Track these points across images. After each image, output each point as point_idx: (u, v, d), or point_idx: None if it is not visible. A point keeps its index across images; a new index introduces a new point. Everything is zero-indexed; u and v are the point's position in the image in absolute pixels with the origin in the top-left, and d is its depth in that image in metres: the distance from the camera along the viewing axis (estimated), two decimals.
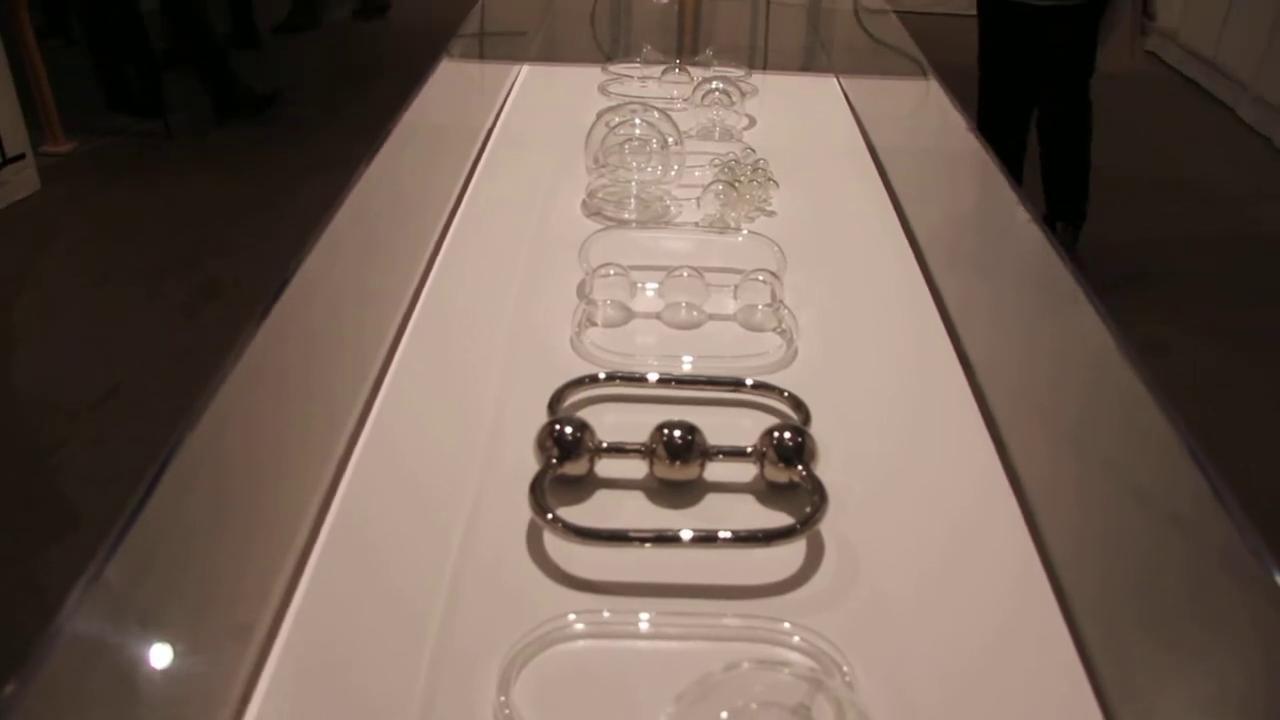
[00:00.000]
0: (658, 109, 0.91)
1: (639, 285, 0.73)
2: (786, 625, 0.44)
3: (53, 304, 2.40)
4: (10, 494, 1.75)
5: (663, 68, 1.18)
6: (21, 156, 2.86)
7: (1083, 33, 2.33)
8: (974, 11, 2.53)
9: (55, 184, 2.97)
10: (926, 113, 1.07)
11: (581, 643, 0.44)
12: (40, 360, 2.17)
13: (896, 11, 1.31)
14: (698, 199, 0.87)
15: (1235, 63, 3.72)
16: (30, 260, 2.59)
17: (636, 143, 0.89)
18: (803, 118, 1.20)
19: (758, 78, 1.20)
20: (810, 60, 1.60)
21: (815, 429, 0.56)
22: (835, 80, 1.30)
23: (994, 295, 0.75)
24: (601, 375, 0.62)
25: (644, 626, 0.45)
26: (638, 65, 1.22)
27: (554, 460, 0.52)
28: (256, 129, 3.43)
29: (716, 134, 1.06)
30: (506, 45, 1.39)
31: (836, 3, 1.73)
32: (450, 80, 1.03)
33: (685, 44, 1.54)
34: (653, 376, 0.62)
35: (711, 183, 0.88)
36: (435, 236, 0.83)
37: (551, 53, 1.40)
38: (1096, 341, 0.57)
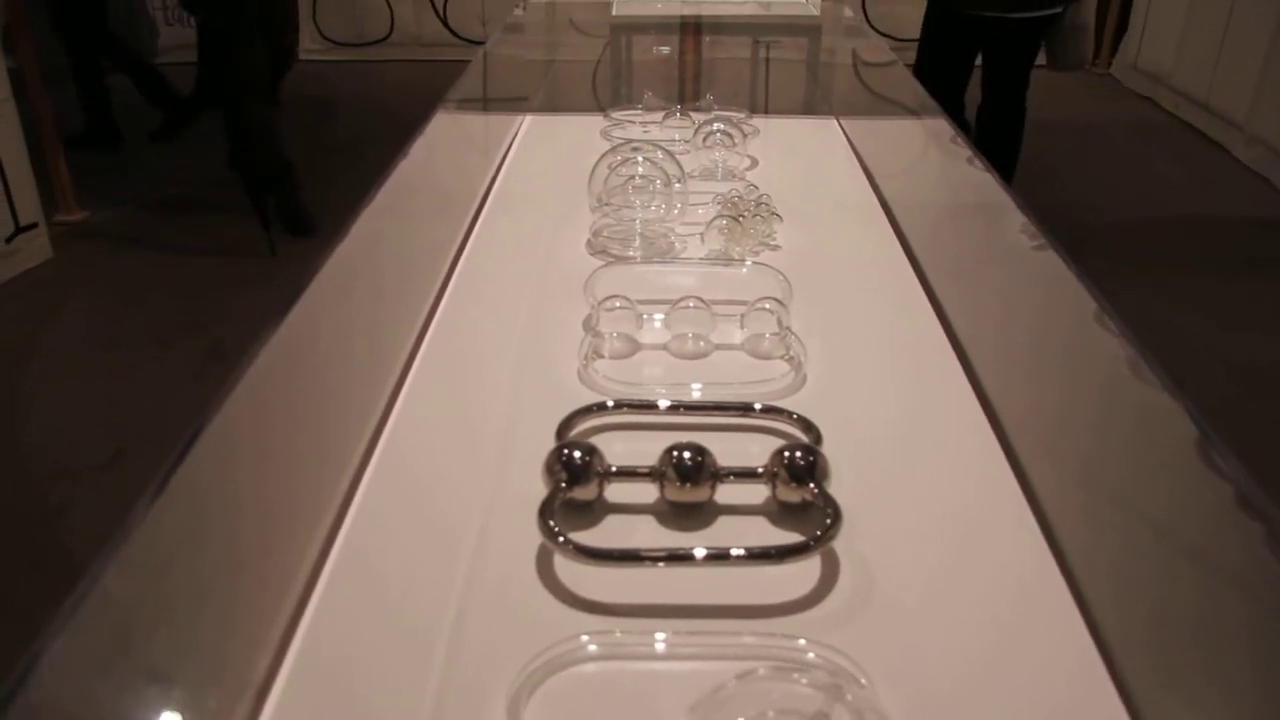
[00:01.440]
0: (661, 148, 0.91)
1: (645, 317, 0.73)
2: (802, 642, 0.43)
3: (62, 368, 2.42)
4: (18, 555, 1.74)
5: (664, 113, 1.20)
6: (34, 225, 2.90)
7: (1031, 44, 2.53)
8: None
9: (67, 252, 3.01)
10: (927, 146, 1.08)
11: (594, 665, 0.43)
12: (49, 423, 2.18)
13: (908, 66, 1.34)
14: (702, 235, 0.88)
15: (1229, 105, 3.77)
16: (41, 326, 2.62)
17: (640, 181, 0.90)
18: (804, 157, 1.21)
19: (759, 120, 1.21)
20: (811, 105, 1.62)
21: (826, 450, 0.55)
22: (835, 122, 1.31)
23: (1001, 316, 0.75)
24: (610, 403, 0.62)
25: (659, 647, 0.44)
26: (639, 111, 1.24)
27: (563, 484, 0.51)
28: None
29: (719, 174, 1.06)
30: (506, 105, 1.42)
31: (835, 56, 1.77)
32: (448, 130, 1.04)
33: (686, 92, 1.56)
34: (661, 403, 0.61)
35: (715, 218, 0.88)
36: (441, 276, 0.84)
37: (553, 106, 1.42)
38: (1109, 358, 0.57)
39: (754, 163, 1.11)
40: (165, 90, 3.97)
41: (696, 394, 0.64)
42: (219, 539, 0.43)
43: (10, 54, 2.91)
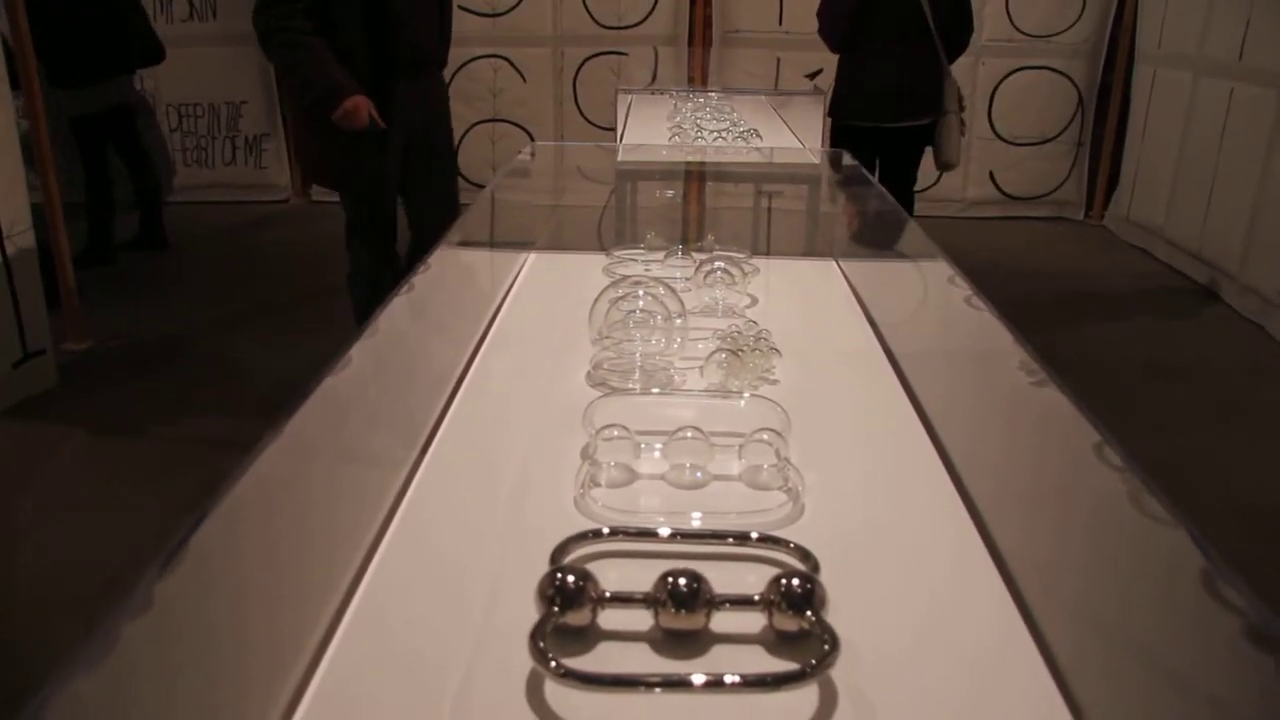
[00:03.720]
0: (663, 284, 0.94)
1: (643, 447, 0.73)
2: None
3: (59, 498, 2.40)
4: (6, 687, 1.69)
5: (665, 252, 1.23)
6: (42, 352, 2.94)
7: (913, 148, 3.19)
8: (997, 215, 2.86)
9: (72, 379, 3.04)
10: (925, 285, 1.11)
11: None
12: (43, 555, 2.15)
13: (920, 217, 1.37)
14: (701, 368, 0.89)
15: (1220, 255, 3.86)
16: (40, 455, 2.61)
17: (640, 315, 0.92)
18: (803, 295, 1.24)
19: (759, 260, 1.25)
20: (811, 246, 1.66)
21: (824, 578, 0.54)
22: (834, 264, 1.35)
23: (1000, 449, 0.75)
24: (605, 530, 0.61)
25: None
26: (642, 250, 1.27)
27: (556, 609, 0.51)
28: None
29: (719, 310, 1.09)
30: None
31: (835, 202, 1.83)
32: (450, 266, 1.07)
33: (689, 233, 1.61)
34: (658, 531, 0.61)
35: (714, 352, 0.89)
36: (440, 404, 0.85)
37: (557, 245, 1.47)
38: (1109, 490, 0.57)
39: (754, 300, 1.14)
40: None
41: (694, 523, 0.64)
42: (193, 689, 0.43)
43: (34, 188, 3.02)
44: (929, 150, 3.25)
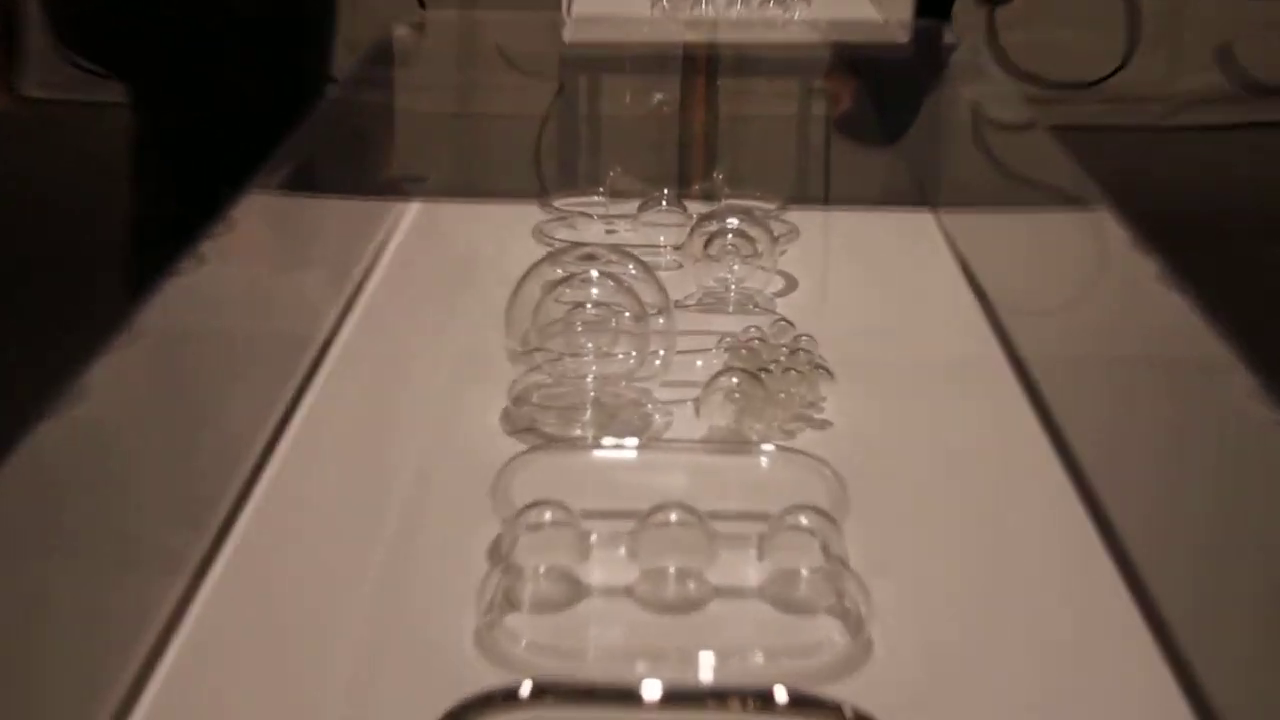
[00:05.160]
0: (633, 259, 0.92)
1: (594, 540, 0.71)
2: None
3: None
4: None
5: (641, 201, 1.20)
6: None
7: None
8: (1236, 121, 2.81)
9: None
10: (1086, 255, 1.09)
11: None
12: None
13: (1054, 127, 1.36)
14: (696, 402, 0.87)
15: None
16: None
17: (594, 314, 0.89)
18: (878, 273, 1.22)
19: (800, 215, 1.22)
20: (892, 189, 1.62)
21: None
22: (933, 218, 1.33)
23: (1221, 537, 0.75)
24: (525, 690, 0.58)
25: None
26: (600, 198, 1.25)
27: None
28: None
29: (730, 303, 1.06)
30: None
31: (939, 109, 1.77)
32: (264, 224, 1.05)
33: (687, 168, 1.58)
34: (621, 688, 0.58)
35: (720, 374, 0.87)
36: (239, 482, 0.82)
37: (459, 188, 1.44)
38: None
39: (789, 284, 1.12)
40: None
41: (681, 674, 0.63)
42: None
43: None
44: None
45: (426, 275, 1.19)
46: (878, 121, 1.81)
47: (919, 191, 1.50)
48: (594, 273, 0.90)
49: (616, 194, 1.25)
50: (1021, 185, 1.37)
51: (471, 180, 1.56)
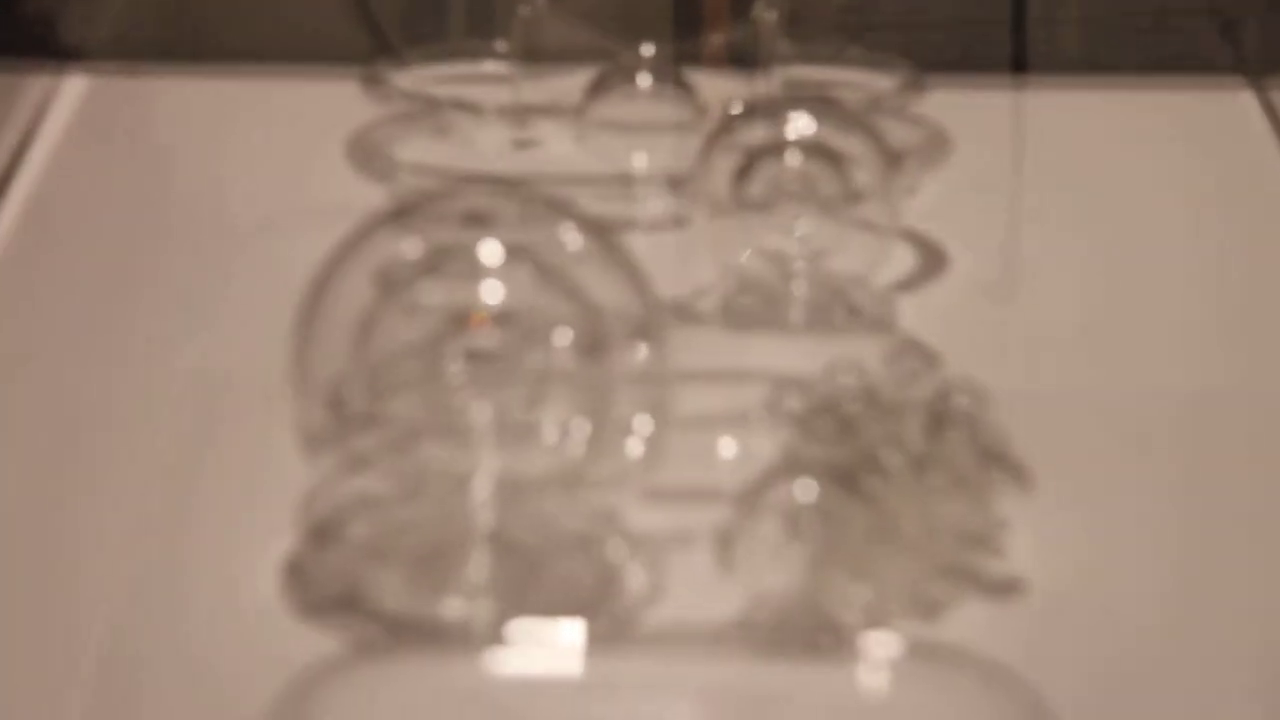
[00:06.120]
0: (574, 215, 0.60)
1: None
2: None
3: None
4: None
5: (591, 72, 0.81)
6: None
7: None
8: None
9: None
10: None
11: None
12: None
13: None
14: (720, 539, 0.57)
15: None
16: None
17: (492, 344, 0.60)
18: (1125, 236, 0.79)
19: (948, 100, 0.79)
20: (1162, 44, 1.13)
21: None
22: (1256, 98, 0.89)
23: None
24: None
25: None
26: (502, 63, 0.83)
27: None
28: None
29: (794, 307, 0.71)
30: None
31: None
32: None
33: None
34: None
35: (774, 472, 0.59)
36: None
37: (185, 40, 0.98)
38: None
39: (929, 263, 0.75)
40: None
41: None
42: None
43: None
44: None
45: (89, 239, 0.76)
46: None
47: (1226, 49, 1.02)
48: (490, 250, 0.57)
49: (537, 54, 0.82)
50: None
51: (202, 27, 1.02)
